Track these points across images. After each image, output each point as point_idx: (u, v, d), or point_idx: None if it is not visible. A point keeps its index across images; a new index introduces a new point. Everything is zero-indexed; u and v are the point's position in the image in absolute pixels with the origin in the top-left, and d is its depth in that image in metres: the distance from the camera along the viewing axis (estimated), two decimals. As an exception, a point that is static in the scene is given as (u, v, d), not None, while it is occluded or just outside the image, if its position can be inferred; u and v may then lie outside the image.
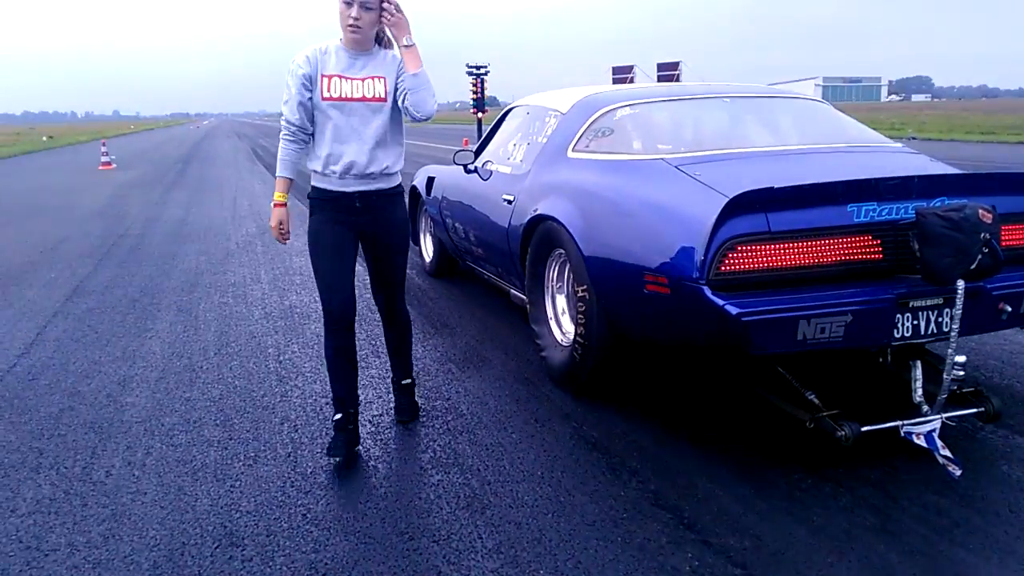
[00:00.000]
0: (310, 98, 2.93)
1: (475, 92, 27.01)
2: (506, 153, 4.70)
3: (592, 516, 2.55)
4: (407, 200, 6.64)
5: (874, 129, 4.15)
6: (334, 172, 2.95)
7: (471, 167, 4.89)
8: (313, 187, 3.03)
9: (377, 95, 2.93)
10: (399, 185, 3.11)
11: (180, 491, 2.78)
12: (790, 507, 2.58)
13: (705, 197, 2.85)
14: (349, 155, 2.93)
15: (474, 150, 5.10)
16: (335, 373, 3.06)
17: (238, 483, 2.83)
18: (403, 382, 3.41)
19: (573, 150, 3.87)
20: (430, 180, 5.86)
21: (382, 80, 2.93)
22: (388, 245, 3.12)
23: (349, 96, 2.91)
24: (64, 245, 8.19)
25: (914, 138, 24.53)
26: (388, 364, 4.03)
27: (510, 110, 5.21)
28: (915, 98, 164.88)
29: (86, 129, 75.51)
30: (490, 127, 5.28)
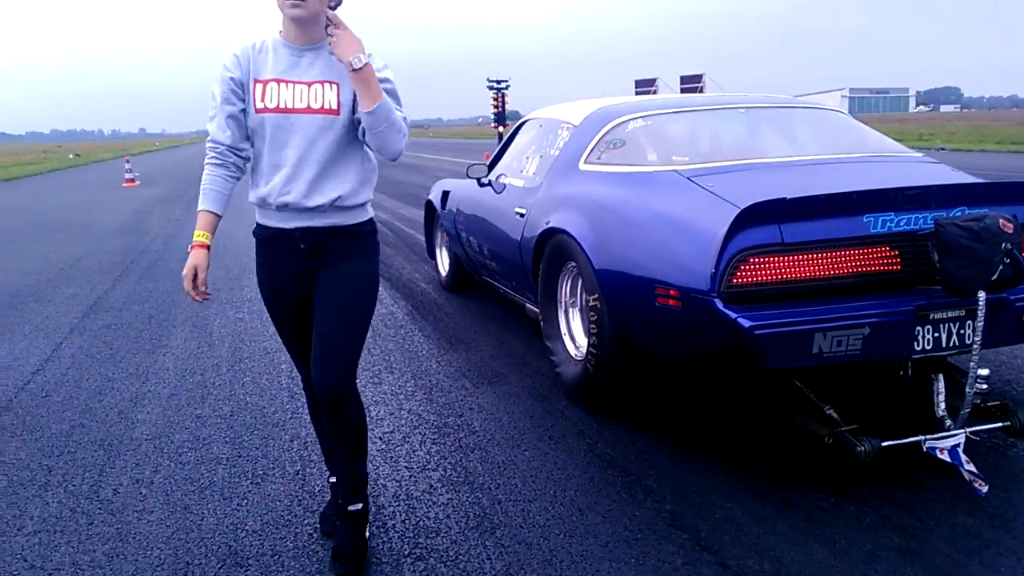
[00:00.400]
0: (242, 110, 2.28)
1: (496, 106, 27.09)
2: (519, 166, 4.66)
3: (605, 537, 2.47)
4: (423, 215, 6.65)
5: (901, 140, 4.07)
6: (270, 204, 2.29)
7: (485, 180, 4.87)
8: (256, 222, 2.41)
9: (327, 106, 2.23)
10: (365, 222, 2.40)
11: (186, 510, 2.74)
12: (812, 527, 2.48)
13: (717, 208, 2.79)
14: (289, 182, 2.26)
15: (488, 163, 5.06)
16: (320, 428, 2.60)
17: (245, 501, 2.78)
18: (350, 507, 2.41)
19: (585, 162, 3.82)
20: (445, 194, 5.84)
21: (334, 87, 2.23)
22: (337, 305, 2.32)
23: (290, 107, 2.23)
24: (84, 261, 8.24)
25: (942, 148, 24.24)
26: (400, 380, 4.00)
27: (524, 123, 5.18)
28: (943, 109, 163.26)
29: (112, 146, 76.69)
30: (503, 140, 5.24)
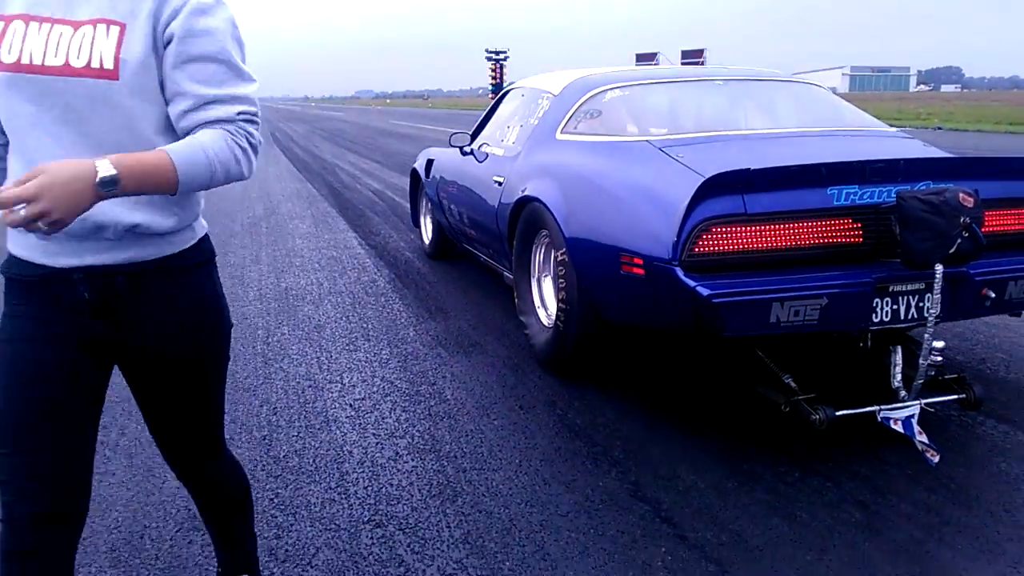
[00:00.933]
0: None
1: (494, 77, 26.92)
2: (501, 135, 4.66)
3: (566, 507, 2.46)
4: (409, 183, 6.61)
5: (899, 119, 4.14)
6: (23, 230, 1.27)
7: (467, 149, 4.86)
8: (8, 254, 1.46)
9: (99, 63, 1.35)
10: (194, 247, 1.53)
11: (149, 472, 2.72)
12: (774, 501, 2.47)
13: (683, 178, 2.79)
14: None
15: (471, 133, 5.03)
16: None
17: (209, 465, 2.76)
18: None
19: (562, 132, 3.83)
20: (429, 162, 5.83)
21: (117, 29, 1.36)
22: (169, 371, 1.55)
23: (39, 64, 1.34)
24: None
25: (940, 128, 24.12)
26: (376, 347, 3.98)
27: (507, 92, 5.18)
28: (944, 88, 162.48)
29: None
30: (487, 109, 5.22)
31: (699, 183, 2.53)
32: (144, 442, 2.95)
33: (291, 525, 2.38)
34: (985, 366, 3.64)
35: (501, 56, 27.01)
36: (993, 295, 2.74)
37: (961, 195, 2.51)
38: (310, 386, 3.48)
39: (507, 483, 2.61)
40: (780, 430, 2.95)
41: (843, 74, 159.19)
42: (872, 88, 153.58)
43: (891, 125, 4.09)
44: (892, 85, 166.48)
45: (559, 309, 3.41)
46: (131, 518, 2.44)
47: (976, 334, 4.10)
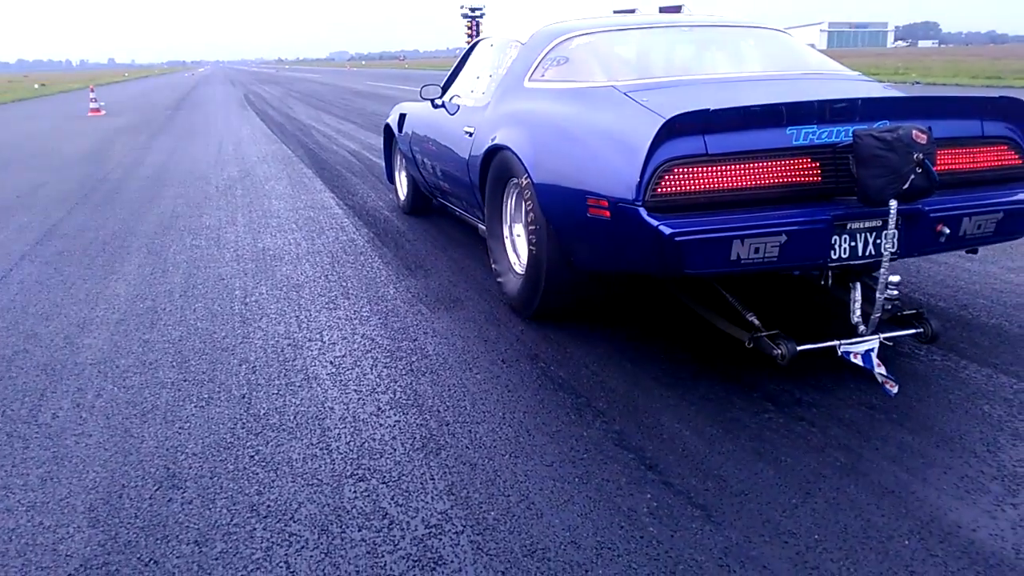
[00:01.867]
0: None
1: (470, 35, 26.48)
2: (471, 86, 4.64)
3: (551, 457, 2.44)
4: (383, 140, 6.54)
5: (878, 74, 4.22)
6: None
7: (438, 102, 4.82)
8: None
9: None
10: None
11: (127, 433, 2.67)
12: (759, 447, 2.46)
13: (645, 120, 2.80)
14: None
15: (441, 85, 4.96)
16: None
17: (187, 424, 2.72)
18: None
19: (530, 79, 3.83)
20: (402, 117, 5.76)
21: None
22: None
23: None
24: (42, 190, 8.01)
25: (918, 83, 24.11)
26: (356, 305, 3.94)
27: (477, 43, 5.13)
28: (922, 44, 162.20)
29: (80, 77, 74.51)
30: (457, 61, 5.15)
31: (660, 124, 2.56)
32: (122, 403, 2.90)
33: (272, 481, 2.35)
34: (967, 311, 3.64)
35: (477, 13, 26.57)
36: (948, 231, 2.80)
37: (914, 132, 2.56)
38: (289, 344, 3.43)
39: (491, 435, 2.59)
40: (765, 378, 2.94)
41: (821, 30, 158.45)
42: (850, 44, 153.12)
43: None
44: (870, 41, 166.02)
45: (530, 255, 3.44)
46: (109, 478, 2.39)
47: (957, 280, 4.10)
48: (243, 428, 2.69)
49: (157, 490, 2.32)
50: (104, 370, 3.22)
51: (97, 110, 20.41)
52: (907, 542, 1.99)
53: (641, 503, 2.18)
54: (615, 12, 5.34)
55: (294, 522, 2.14)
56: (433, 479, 2.33)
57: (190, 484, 2.34)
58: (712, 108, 2.59)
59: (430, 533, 2.08)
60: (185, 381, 3.08)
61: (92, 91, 22.36)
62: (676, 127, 2.58)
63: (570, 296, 3.47)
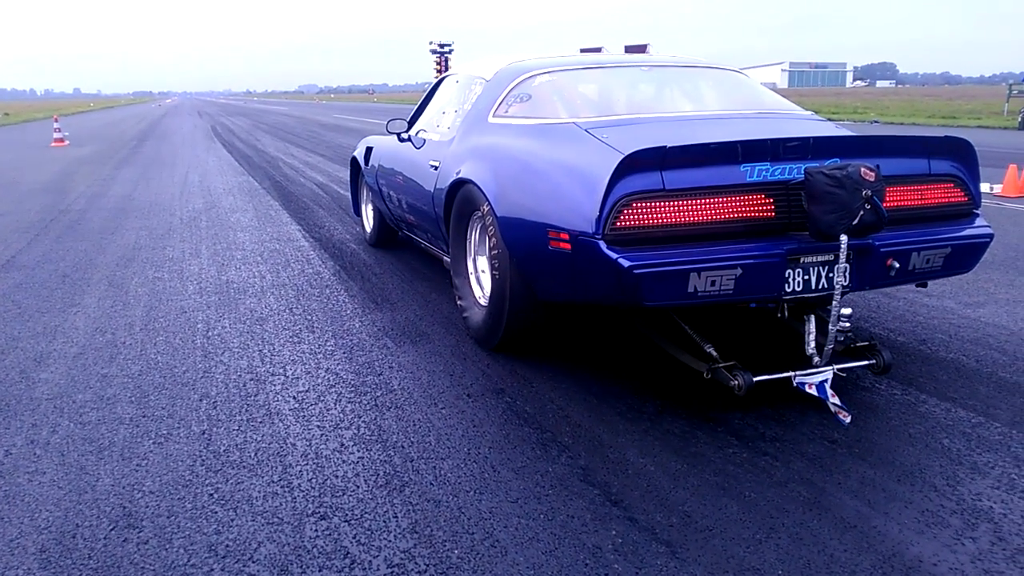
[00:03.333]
0: None
1: (439, 71, 26.69)
2: (437, 121, 4.71)
3: (516, 493, 2.42)
4: (349, 172, 6.55)
5: (837, 113, 4.38)
6: None
7: (404, 136, 4.87)
8: None
9: None
10: None
11: (82, 470, 2.61)
12: (723, 482, 2.47)
13: (605, 156, 2.87)
14: None
15: (408, 119, 5.00)
16: None
17: (145, 462, 2.66)
18: None
19: (494, 115, 3.90)
20: (368, 150, 5.80)
21: None
22: None
23: None
24: (1, 220, 7.86)
25: (876, 122, 24.69)
26: (321, 339, 3.90)
27: (443, 79, 5.20)
28: (880, 84, 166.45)
29: (44, 106, 73.63)
30: (423, 96, 5.20)
31: (619, 160, 2.63)
32: (78, 439, 2.83)
33: (231, 520, 2.30)
34: (926, 346, 3.70)
35: (446, 49, 26.82)
36: (898, 265, 2.91)
37: (863, 170, 2.66)
38: (252, 379, 3.39)
39: (455, 471, 2.57)
40: (728, 412, 2.95)
41: (783, 70, 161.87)
42: (811, 83, 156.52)
43: (829, 119, 4.20)
44: (829, 81, 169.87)
45: (493, 286, 3.48)
46: (62, 517, 2.33)
47: (916, 315, 4.18)
48: (202, 465, 2.63)
49: (112, 530, 2.26)
50: (60, 405, 3.14)
51: (61, 140, 20.16)
52: (869, 577, 2.00)
53: (606, 540, 2.17)
54: (582, 51, 5.43)
55: (253, 562, 2.09)
56: (396, 517, 2.30)
57: (146, 523, 2.29)
58: (669, 145, 2.66)
59: (392, 573, 2.04)
60: (144, 417, 3.02)
61: (56, 121, 22.12)
62: (634, 163, 2.65)
63: (533, 327, 3.49)
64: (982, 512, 2.29)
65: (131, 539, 2.21)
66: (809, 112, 3.89)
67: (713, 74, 4.27)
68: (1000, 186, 8.97)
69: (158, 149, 18.08)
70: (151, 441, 2.81)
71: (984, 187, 8.89)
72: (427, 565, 2.07)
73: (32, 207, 8.79)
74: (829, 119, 4.26)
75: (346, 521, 2.28)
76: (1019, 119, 22.34)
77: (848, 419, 2.79)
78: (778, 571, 2.02)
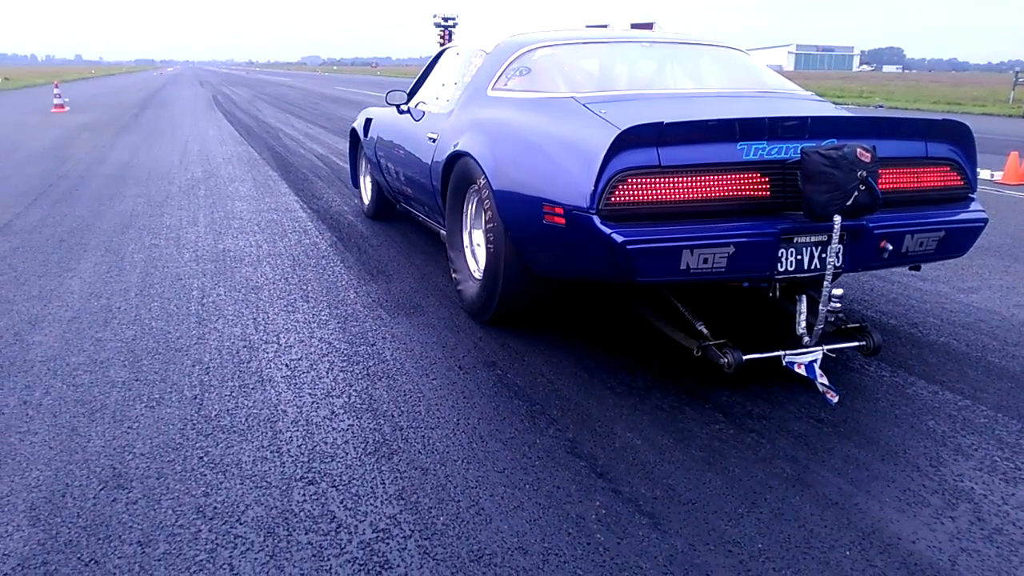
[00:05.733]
0: None
1: (443, 45, 26.48)
2: (436, 93, 4.69)
3: (503, 463, 2.45)
4: (348, 144, 6.53)
5: (843, 97, 4.36)
6: None
7: (403, 108, 4.85)
8: None
9: None
10: None
11: (73, 432, 2.63)
12: (708, 457, 2.49)
13: (602, 131, 2.86)
14: None
15: (408, 91, 4.98)
16: None
17: (136, 424, 2.68)
18: None
19: (493, 88, 3.88)
20: (368, 122, 5.78)
21: None
22: None
23: None
24: (0, 185, 7.86)
25: (881, 106, 24.59)
26: (315, 309, 3.91)
27: (444, 51, 5.18)
28: (886, 68, 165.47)
29: (45, 72, 73.24)
30: (423, 68, 5.18)
31: (615, 135, 2.62)
32: (70, 401, 2.85)
33: (220, 483, 2.32)
34: (917, 330, 3.72)
35: (450, 23, 26.61)
36: (891, 248, 2.90)
37: (859, 150, 2.65)
38: (245, 346, 3.40)
39: (444, 441, 2.59)
40: (717, 389, 2.97)
41: (789, 52, 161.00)
42: (817, 67, 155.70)
43: (834, 102, 4.18)
44: (836, 64, 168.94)
45: (488, 260, 3.48)
46: (52, 476, 2.35)
47: (909, 299, 4.19)
48: (193, 429, 2.66)
49: (102, 490, 2.28)
50: (54, 368, 3.16)
51: (61, 106, 20.06)
52: (848, 552, 2.02)
53: (590, 510, 2.19)
54: (588, 26, 5.40)
55: (240, 524, 2.12)
56: (384, 483, 2.33)
57: (136, 484, 2.31)
58: (666, 121, 2.65)
59: (378, 537, 2.07)
60: (136, 381, 3.04)
61: (56, 87, 22.00)
62: (631, 139, 2.64)
63: (526, 301, 3.50)
64: (963, 492, 2.31)
65: (120, 499, 2.23)
66: (809, 92, 3.88)
67: (714, 52, 4.25)
68: (1001, 173, 8.95)
69: (158, 117, 18.00)
70: (143, 405, 2.83)
71: (985, 174, 8.89)
72: (412, 530, 2.09)
73: (31, 172, 8.77)
74: (834, 103, 4.24)
75: (334, 486, 2.31)
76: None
77: (836, 399, 2.82)
78: (758, 544, 2.05)
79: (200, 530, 2.09)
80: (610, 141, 2.62)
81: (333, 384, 3.03)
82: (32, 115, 18.75)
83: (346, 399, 2.90)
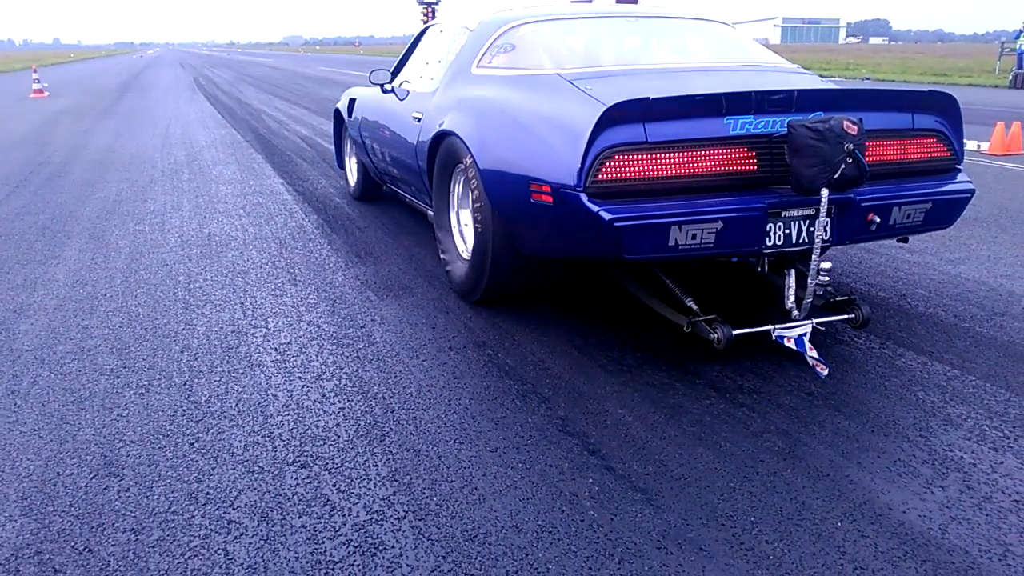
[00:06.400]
0: None
1: (426, 22, 26.21)
2: (420, 72, 4.64)
3: (495, 443, 2.45)
4: (333, 124, 6.48)
5: (829, 69, 4.33)
6: None
7: (388, 87, 4.80)
8: None
9: None
10: None
11: (62, 420, 2.61)
12: (699, 432, 2.50)
13: (588, 108, 2.83)
14: None
15: (391, 70, 4.93)
16: None
17: (126, 412, 2.67)
18: None
19: (478, 66, 3.85)
20: (352, 102, 5.73)
21: None
22: None
23: None
24: (-21, 172, 7.76)
25: (868, 79, 24.57)
26: (303, 292, 3.89)
27: (427, 29, 5.12)
28: (872, 40, 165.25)
29: (23, 57, 72.21)
30: (407, 47, 5.13)
31: (601, 112, 2.61)
32: (58, 390, 2.83)
33: (212, 469, 2.31)
34: (905, 301, 3.73)
35: (433, 1, 26.34)
36: (878, 220, 2.91)
37: (845, 123, 2.65)
38: (233, 331, 3.38)
39: (436, 422, 2.59)
40: (708, 365, 2.98)
41: (775, 25, 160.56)
42: (803, 39, 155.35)
43: (821, 75, 4.17)
44: (822, 37, 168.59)
45: (476, 240, 3.47)
46: (43, 466, 2.34)
47: (897, 271, 4.21)
48: (183, 415, 2.64)
49: (93, 478, 2.27)
50: (40, 356, 3.14)
51: (40, 91, 19.81)
52: (840, 523, 2.04)
53: (583, 488, 2.20)
54: (572, 1, 5.35)
55: (233, 509, 2.11)
56: (376, 465, 2.32)
57: (127, 472, 2.30)
58: (652, 97, 2.63)
59: (372, 519, 2.07)
60: (124, 368, 3.02)
61: (35, 71, 21.72)
62: (617, 115, 2.62)
63: (515, 280, 3.49)
64: (952, 462, 2.33)
65: (112, 487, 2.22)
66: (795, 66, 3.86)
67: (700, 26, 4.22)
68: (987, 144, 8.97)
69: (140, 101, 17.81)
70: (132, 392, 2.82)
71: (971, 145, 8.90)
72: (406, 512, 2.10)
73: (11, 159, 8.67)
74: (820, 76, 4.23)
75: (326, 469, 2.30)
76: (1010, 77, 22.28)
77: (825, 372, 2.83)
78: (750, 518, 2.06)
79: (193, 516, 2.09)
80: (596, 118, 2.61)
81: (323, 367, 3.02)
82: (11, 100, 18.52)
83: (336, 382, 2.89)
